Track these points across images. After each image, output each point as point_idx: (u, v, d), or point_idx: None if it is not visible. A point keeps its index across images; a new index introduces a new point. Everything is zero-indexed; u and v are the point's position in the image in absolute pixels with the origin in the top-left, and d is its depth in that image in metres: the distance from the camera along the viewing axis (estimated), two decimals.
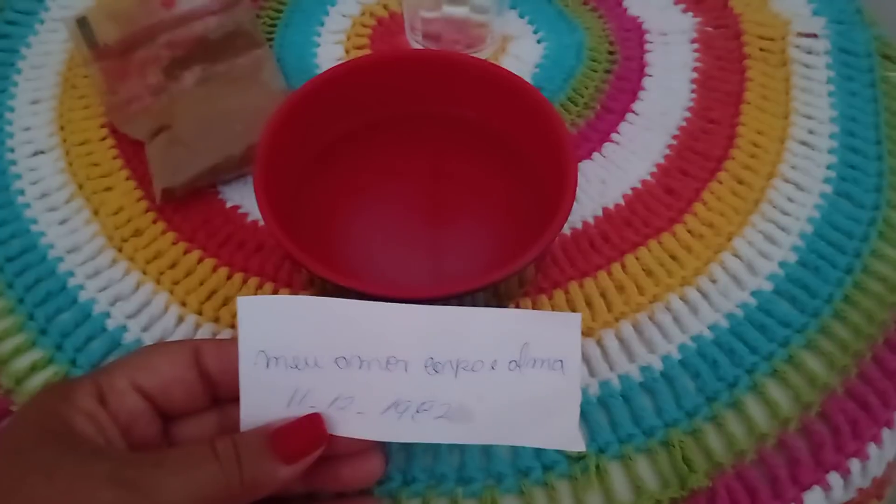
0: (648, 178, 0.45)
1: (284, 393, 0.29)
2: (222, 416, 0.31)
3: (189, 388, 0.30)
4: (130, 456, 0.28)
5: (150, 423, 0.30)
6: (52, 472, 0.25)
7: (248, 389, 0.29)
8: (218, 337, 0.39)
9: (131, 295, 0.41)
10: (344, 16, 0.53)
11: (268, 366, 0.29)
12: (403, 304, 0.30)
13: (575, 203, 0.35)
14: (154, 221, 0.43)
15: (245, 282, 0.41)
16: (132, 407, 0.29)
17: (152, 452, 0.27)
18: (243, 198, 0.44)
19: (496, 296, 0.37)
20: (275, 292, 0.40)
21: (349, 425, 0.29)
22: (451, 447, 0.35)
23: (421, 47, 0.50)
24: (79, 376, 0.29)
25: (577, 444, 0.29)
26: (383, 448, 0.32)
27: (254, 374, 0.29)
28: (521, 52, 0.51)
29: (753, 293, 0.40)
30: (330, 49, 0.51)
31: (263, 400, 0.29)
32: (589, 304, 0.40)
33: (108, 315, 0.40)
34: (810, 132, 0.46)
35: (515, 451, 0.35)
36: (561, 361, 0.29)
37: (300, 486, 0.31)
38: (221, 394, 0.31)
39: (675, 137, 0.46)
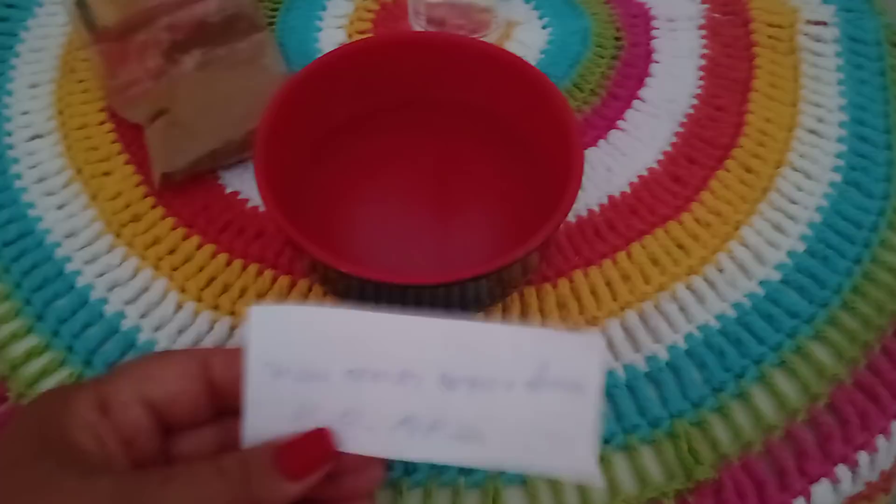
0: (655, 165, 0.44)
1: (291, 406, 0.28)
2: (222, 430, 0.30)
3: (195, 401, 0.29)
4: (133, 473, 0.27)
5: (151, 438, 0.28)
6: (52, 490, 0.24)
7: (254, 402, 0.28)
8: (217, 325, 0.38)
9: (129, 281, 0.40)
10: (346, 0, 0.52)
11: (275, 377, 0.28)
12: (419, 318, 0.28)
13: (580, 191, 0.34)
14: (153, 206, 0.43)
15: (245, 268, 0.40)
16: (135, 420, 0.28)
17: (155, 470, 0.26)
18: (243, 183, 0.44)
19: (500, 283, 0.37)
20: (275, 279, 0.40)
21: (357, 441, 0.28)
22: None
23: None
24: (80, 383, 0.28)
25: (591, 472, 0.27)
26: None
27: (260, 386, 0.28)
28: (525, 38, 0.50)
29: (761, 283, 0.39)
30: (332, 34, 0.51)
31: (269, 413, 0.28)
32: (594, 293, 0.39)
33: (105, 301, 0.39)
34: (819, 120, 0.45)
35: None
36: (580, 384, 0.27)
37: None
38: (225, 406, 0.29)
39: (682, 125, 0.46)
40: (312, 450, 0.27)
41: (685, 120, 0.46)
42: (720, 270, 0.40)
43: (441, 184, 0.42)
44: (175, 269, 0.40)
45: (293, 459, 0.27)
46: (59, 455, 0.25)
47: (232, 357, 0.29)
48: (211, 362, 0.29)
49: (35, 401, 0.28)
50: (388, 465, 0.34)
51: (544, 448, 0.28)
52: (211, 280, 0.40)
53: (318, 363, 0.28)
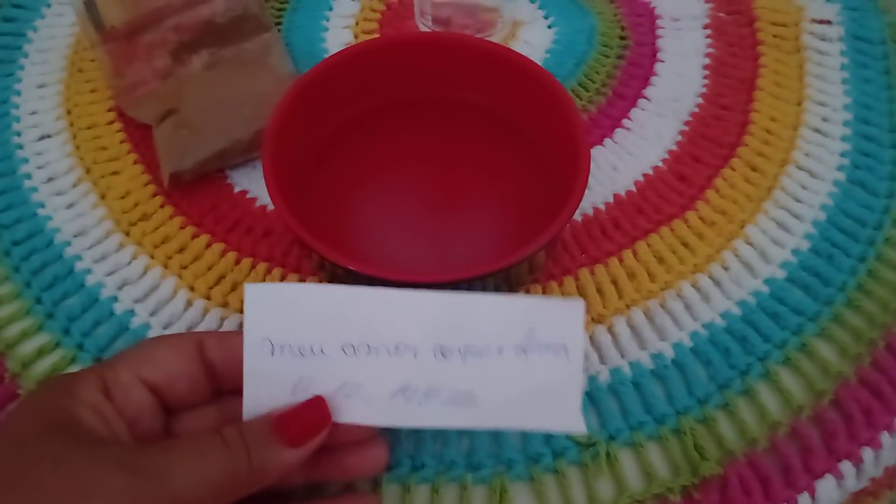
0: (660, 164, 0.44)
1: (289, 381, 0.29)
2: (222, 409, 0.31)
3: (193, 381, 0.30)
4: (138, 444, 0.28)
5: (154, 417, 0.29)
6: (60, 461, 0.25)
7: (252, 377, 0.29)
8: (226, 322, 0.39)
9: (139, 279, 0.40)
10: (353, 0, 0.53)
11: (272, 353, 0.29)
12: (411, 290, 0.29)
13: (586, 189, 0.35)
14: (161, 206, 0.43)
15: (253, 267, 0.41)
16: (137, 400, 0.29)
17: (160, 442, 0.27)
18: (251, 182, 0.44)
19: (506, 282, 0.37)
20: (283, 277, 0.40)
21: (355, 412, 0.29)
22: (461, 433, 0.35)
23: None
24: (82, 370, 0.29)
25: (578, 425, 0.29)
26: (387, 438, 0.32)
27: (258, 361, 0.29)
28: (531, 38, 0.50)
29: (766, 281, 0.39)
30: (338, 34, 0.51)
31: (267, 388, 0.29)
32: (600, 291, 0.39)
33: (115, 299, 0.39)
34: (824, 119, 0.46)
35: (525, 437, 0.35)
36: (565, 346, 0.29)
37: (304, 478, 0.31)
38: (223, 386, 0.31)
39: (687, 124, 0.46)
40: (309, 417, 0.29)
41: (690, 119, 0.46)
42: (725, 269, 0.40)
43: (447, 183, 0.42)
44: (184, 267, 0.41)
45: (290, 427, 0.28)
46: (67, 434, 0.26)
47: (226, 339, 0.30)
48: (206, 344, 0.30)
49: (39, 387, 0.29)
50: (395, 460, 0.34)
51: (535, 406, 0.29)
52: (220, 278, 0.40)
53: (313, 339, 0.29)
